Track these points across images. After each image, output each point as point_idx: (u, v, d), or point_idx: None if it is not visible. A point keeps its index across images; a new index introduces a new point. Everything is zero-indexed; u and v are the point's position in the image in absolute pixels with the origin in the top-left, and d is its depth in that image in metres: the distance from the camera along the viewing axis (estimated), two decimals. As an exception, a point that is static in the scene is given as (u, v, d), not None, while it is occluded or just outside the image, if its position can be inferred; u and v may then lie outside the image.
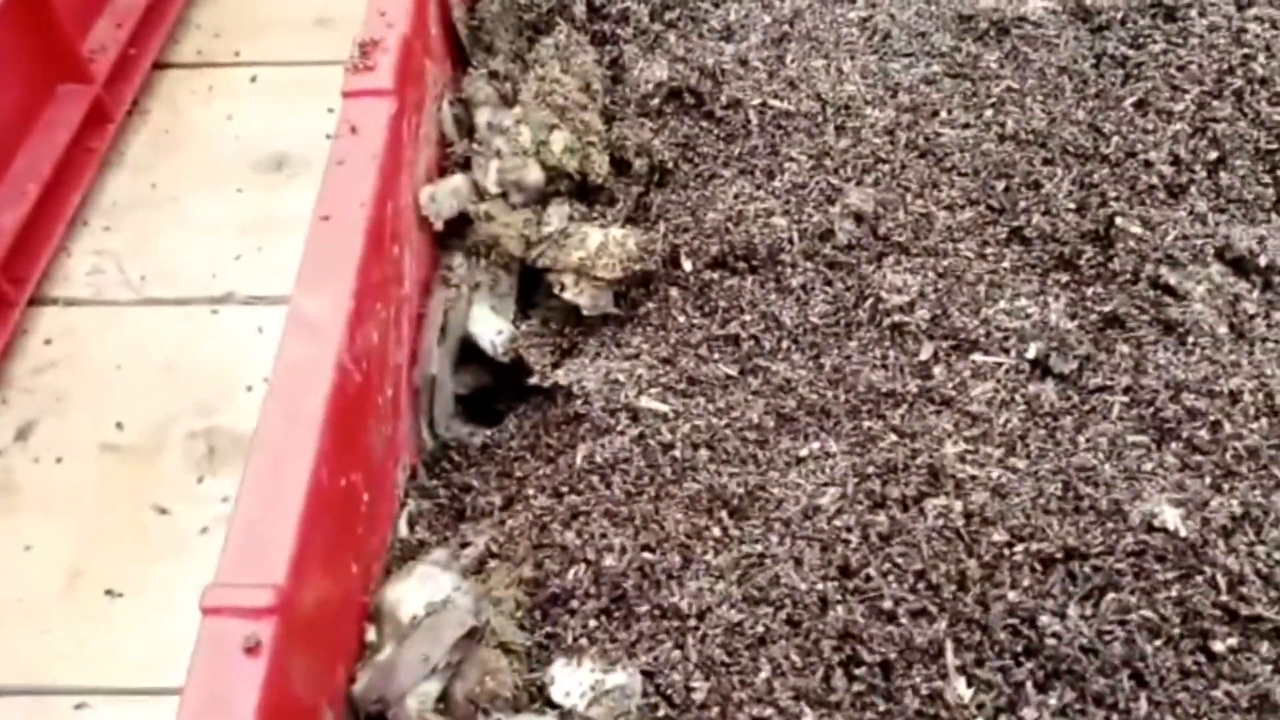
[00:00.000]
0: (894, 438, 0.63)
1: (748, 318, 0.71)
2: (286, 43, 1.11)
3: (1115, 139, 0.74)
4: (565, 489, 0.64)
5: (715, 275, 0.73)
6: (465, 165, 0.77)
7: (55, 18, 0.94)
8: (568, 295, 0.72)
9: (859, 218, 0.72)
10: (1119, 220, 0.70)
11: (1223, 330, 0.65)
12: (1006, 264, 0.71)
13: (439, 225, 0.72)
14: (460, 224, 0.75)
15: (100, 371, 0.86)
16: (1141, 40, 0.79)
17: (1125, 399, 0.63)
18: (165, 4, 1.11)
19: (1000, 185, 0.74)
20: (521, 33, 0.85)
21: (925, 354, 0.67)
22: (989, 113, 0.78)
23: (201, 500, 0.84)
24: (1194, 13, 0.80)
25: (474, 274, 0.73)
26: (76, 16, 0.99)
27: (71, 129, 0.95)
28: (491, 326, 0.73)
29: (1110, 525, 0.57)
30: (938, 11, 0.86)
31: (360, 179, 0.61)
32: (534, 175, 0.75)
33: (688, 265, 0.74)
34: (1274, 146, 0.73)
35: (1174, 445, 0.61)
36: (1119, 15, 0.80)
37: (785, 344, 0.69)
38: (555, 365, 0.71)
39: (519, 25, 0.85)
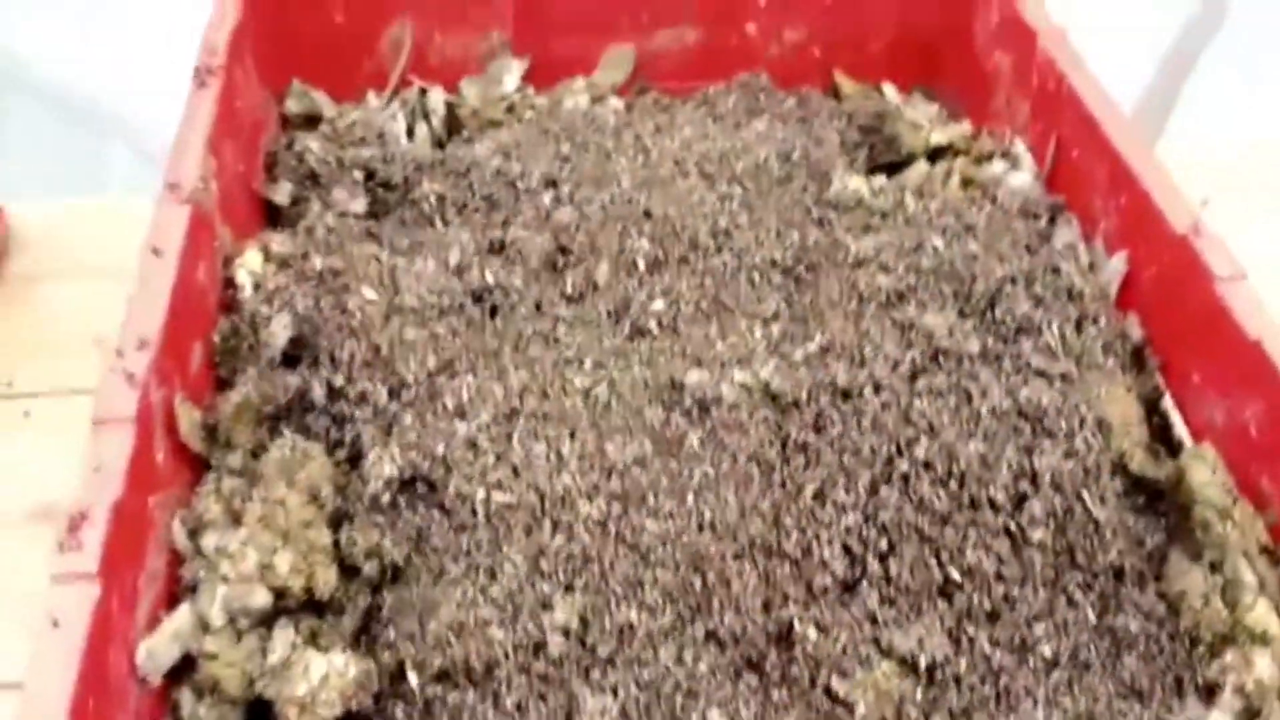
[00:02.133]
0: None
1: (467, 738, 0.75)
2: (60, 369, 1.11)
3: (795, 534, 0.82)
4: None
5: (439, 690, 0.77)
6: (191, 592, 0.79)
7: None
8: (292, 727, 0.75)
9: (566, 631, 0.78)
10: (796, 625, 0.78)
11: (883, 745, 0.73)
12: (703, 667, 0.77)
13: (157, 680, 0.74)
14: (190, 661, 0.77)
15: None
16: (821, 423, 0.88)
17: (796, 826, 0.70)
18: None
19: (697, 582, 0.81)
20: (258, 425, 0.89)
21: (624, 780, 0.72)
22: (690, 499, 0.85)
23: None
24: (869, 390, 0.89)
25: (201, 712, 0.75)
26: None
27: None
28: (220, 761, 0.75)
29: None
30: (652, 376, 0.94)
31: (55, 687, 0.63)
32: (260, 599, 0.78)
33: (414, 679, 0.78)
34: (935, 533, 0.83)
35: None
36: (803, 396, 0.89)
37: (501, 767, 0.74)
38: (280, 805, 0.73)
39: (255, 419, 0.89)
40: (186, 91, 1.07)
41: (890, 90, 1.41)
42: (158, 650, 0.75)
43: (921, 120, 1.33)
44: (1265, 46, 1.92)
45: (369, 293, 0.98)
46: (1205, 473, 0.89)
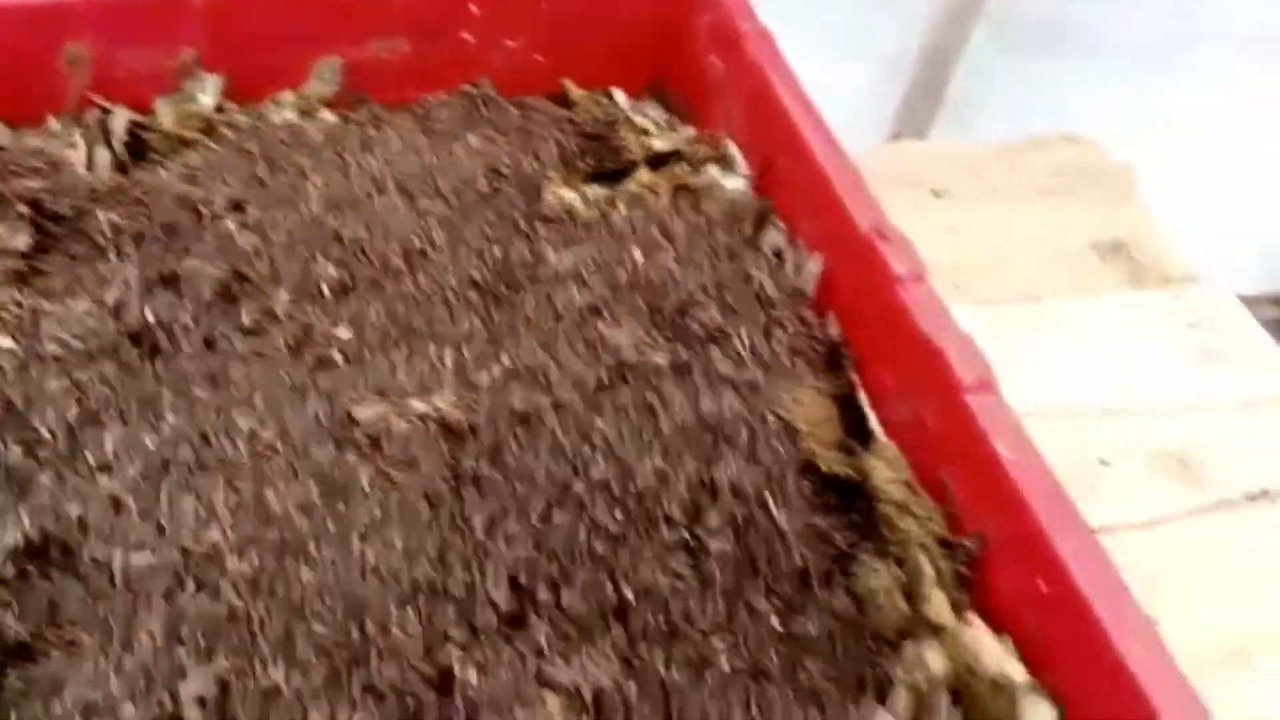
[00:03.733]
0: None
1: (89, 833, 0.68)
2: None
3: (459, 571, 0.78)
4: None
5: (61, 782, 0.70)
6: None
7: None
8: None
9: (203, 701, 0.72)
10: (455, 668, 0.74)
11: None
12: (358, 725, 0.73)
13: None
14: None
15: None
16: (496, 453, 0.84)
17: None
18: None
19: (355, 633, 0.76)
20: None
21: None
22: (356, 545, 0.80)
23: None
24: (548, 413, 0.86)
25: None
26: None
27: None
28: None
29: None
30: (329, 413, 0.88)
31: None
32: None
33: (31, 773, 0.70)
34: (606, 553, 0.80)
35: None
36: (480, 424, 0.85)
37: None
38: None
39: None
40: None
41: (620, 96, 1.39)
42: None
43: (649, 126, 1.32)
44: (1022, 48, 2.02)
45: (4, 341, 0.89)
46: (885, 470, 0.90)
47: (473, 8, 1.30)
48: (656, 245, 1.05)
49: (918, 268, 0.97)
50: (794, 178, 1.13)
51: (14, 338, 0.89)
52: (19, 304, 0.92)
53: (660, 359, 0.92)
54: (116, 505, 0.81)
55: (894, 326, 0.95)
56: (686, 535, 0.82)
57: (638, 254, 1.03)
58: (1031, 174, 1.59)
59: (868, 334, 1.00)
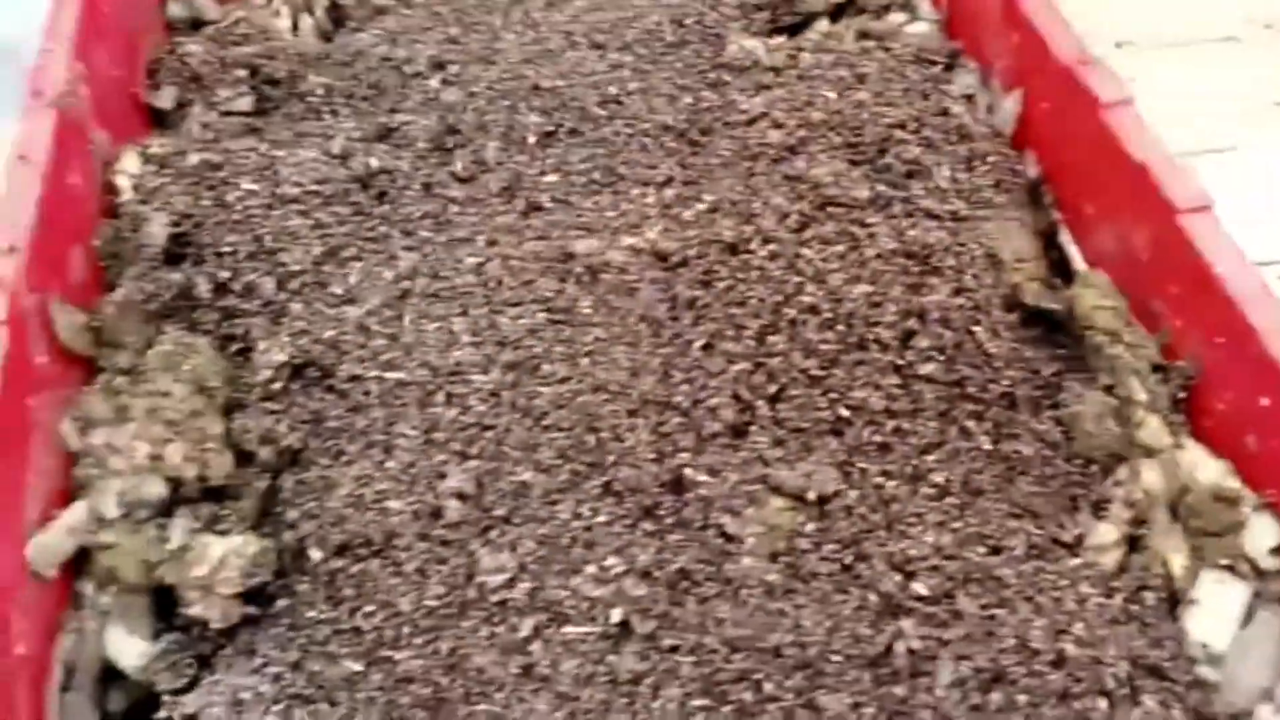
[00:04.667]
0: (495, 729, 0.70)
1: (370, 607, 0.76)
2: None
3: (684, 386, 0.83)
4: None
5: (341, 563, 0.78)
6: (82, 488, 0.79)
7: None
8: (196, 611, 0.76)
9: (462, 496, 0.78)
10: (687, 471, 0.79)
11: (774, 578, 0.74)
12: (600, 519, 0.78)
13: (50, 573, 0.74)
14: (83, 554, 0.77)
15: None
16: (709, 279, 0.88)
17: (691, 659, 0.71)
18: None
19: (591, 440, 0.81)
20: (146, 323, 0.88)
21: (525, 630, 0.74)
22: (584, 363, 0.85)
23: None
24: (756, 243, 0.89)
25: (103, 600, 0.76)
26: None
27: None
28: (130, 648, 0.76)
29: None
30: (544, 250, 0.93)
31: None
32: (155, 490, 0.78)
33: (316, 555, 0.79)
34: (822, 373, 0.83)
35: (727, 710, 0.69)
36: (691, 254, 0.89)
37: (406, 630, 0.75)
38: (189, 686, 0.74)
39: (141, 317, 0.88)
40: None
41: (792, -51, 1.37)
42: (49, 544, 0.75)
43: (822, -21, 1.30)
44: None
45: (249, 185, 0.96)
46: (1095, 298, 0.90)
47: None
48: (848, 85, 1.05)
49: (1125, 92, 0.94)
50: (986, 18, 1.11)
51: (256, 182, 0.96)
52: (257, 152, 0.99)
53: (861, 192, 0.94)
54: (364, 330, 0.88)
55: (1101, 154, 0.94)
56: (897, 358, 0.85)
57: (830, 94, 1.04)
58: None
59: (1071, 167, 0.99)
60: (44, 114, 0.92)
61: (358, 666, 0.74)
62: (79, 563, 0.77)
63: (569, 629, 0.73)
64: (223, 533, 0.78)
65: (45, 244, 0.85)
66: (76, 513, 0.77)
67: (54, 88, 0.93)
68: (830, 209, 0.92)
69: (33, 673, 0.72)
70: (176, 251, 0.92)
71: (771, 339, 0.84)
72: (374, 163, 1.00)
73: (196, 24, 1.25)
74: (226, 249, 0.91)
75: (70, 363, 0.85)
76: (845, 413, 0.82)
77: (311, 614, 0.76)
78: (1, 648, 0.69)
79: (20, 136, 0.90)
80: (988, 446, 0.84)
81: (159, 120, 1.13)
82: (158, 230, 0.91)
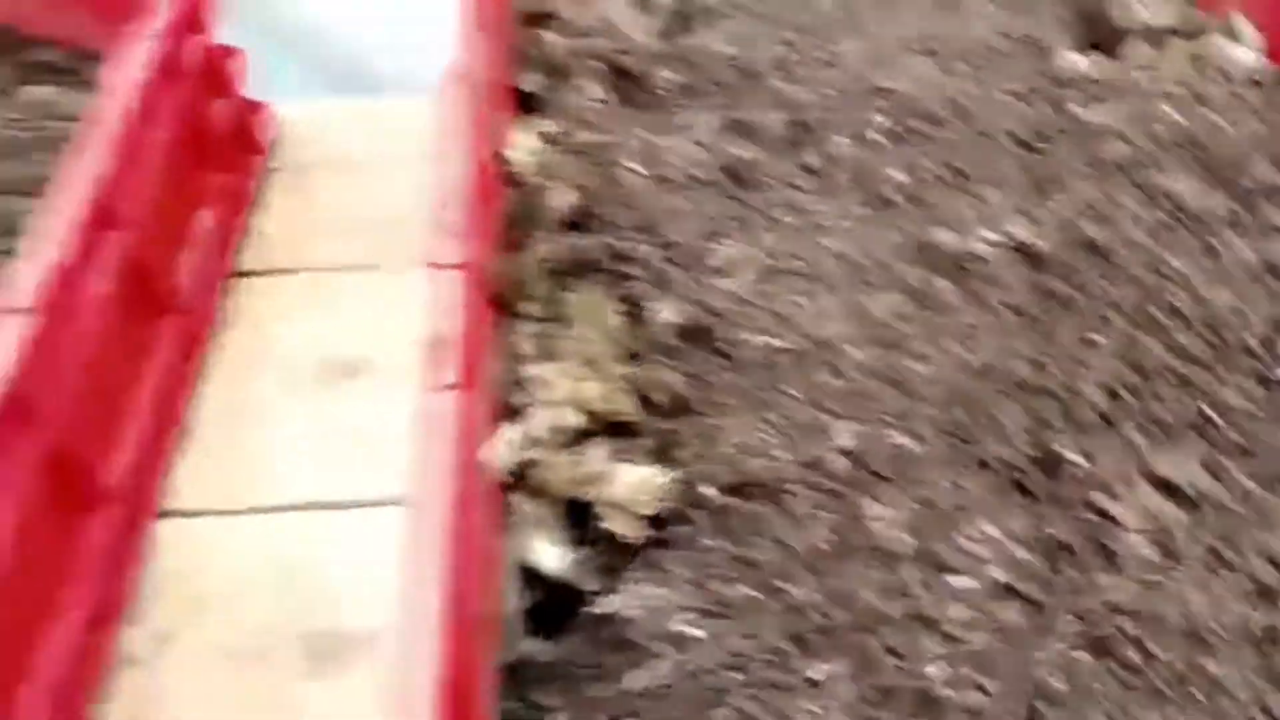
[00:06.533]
0: (888, 659, 0.77)
1: (764, 542, 0.85)
2: (335, 247, 1.24)
3: (1056, 373, 0.89)
4: (623, 713, 0.78)
5: (733, 501, 0.87)
6: (514, 413, 0.91)
7: (148, 269, 1.09)
8: (611, 526, 0.86)
9: (846, 452, 0.87)
10: (1063, 452, 0.85)
11: (1153, 555, 0.80)
12: (973, 488, 0.85)
13: (501, 475, 0.86)
14: (516, 470, 0.89)
15: (215, 579, 1.00)
16: (1074, 276, 0.94)
17: (1072, 618, 0.78)
18: (232, 224, 1.25)
19: (963, 416, 0.88)
20: (552, 279, 1.00)
21: (911, 577, 0.81)
22: (952, 345, 0.92)
23: (312, 699, 0.96)
24: (1118, 245, 0.95)
25: (531, 510, 0.88)
26: (162, 257, 1.13)
27: (169, 355, 1.09)
28: (550, 555, 0.87)
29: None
30: (902, 241, 1.01)
31: (442, 452, 0.76)
32: (573, 420, 0.90)
33: (709, 492, 0.88)
34: (1187, 371, 0.88)
35: (1113, 664, 0.75)
36: (1054, 251, 0.95)
37: (796, 567, 0.84)
38: (604, 590, 0.85)
39: (549, 274, 1.00)
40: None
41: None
42: (501, 452, 0.87)
43: (1134, 3, 1.34)
44: None
45: (634, 165, 1.07)
46: None
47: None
48: (1189, 105, 1.09)
49: None
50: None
51: (639, 162, 1.07)
52: (638, 137, 1.10)
53: (1217, 208, 0.98)
54: (740, 301, 0.97)
55: None
56: (1260, 365, 0.89)
57: (1173, 111, 1.08)
58: None
59: None
60: (464, 93, 1.05)
61: (754, 593, 0.83)
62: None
63: (953, 579, 0.81)
64: (630, 464, 0.89)
65: (472, 205, 0.97)
66: (513, 432, 0.89)
67: (472, 71, 1.07)
68: (1187, 220, 0.97)
69: (491, 561, 0.83)
70: (574, 220, 1.04)
71: (1138, 335, 0.90)
72: (736, 152, 1.09)
73: (541, 16, 1.39)
74: (619, 222, 1.02)
75: (493, 306, 0.97)
76: (1210, 412, 0.87)
77: (708, 543, 0.86)
78: (468, 536, 0.81)
79: (445, 113, 1.03)
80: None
81: (525, 102, 1.26)
82: (560, 202, 1.03)
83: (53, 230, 0.95)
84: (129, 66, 1.12)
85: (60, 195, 0.98)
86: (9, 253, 1.02)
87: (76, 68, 1.31)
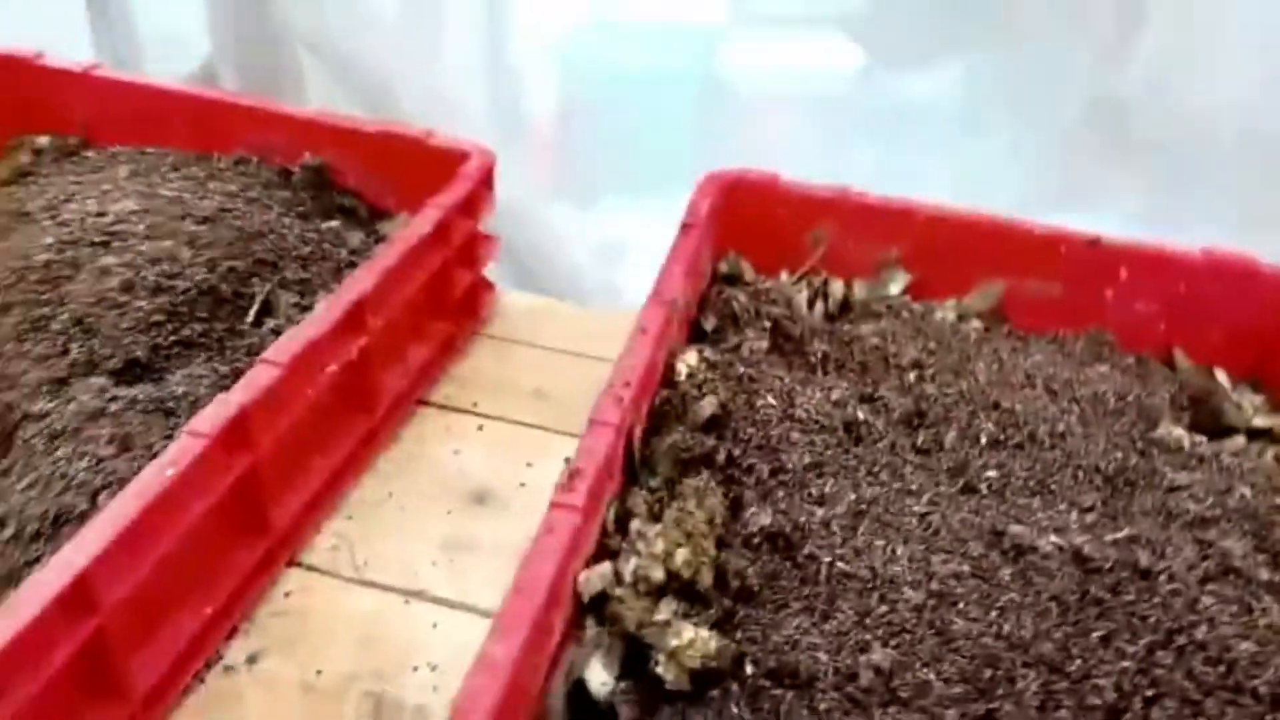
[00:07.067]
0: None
1: (785, 724, 0.97)
2: (509, 404, 1.50)
3: (1078, 661, 1.00)
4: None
5: (768, 683, 1.01)
6: (613, 555, 1.09)
7: (370, 369, 1.37)
8: (659, 670, 1.01)
9: (878, 670, 1.00)
10: (1065, 724, 0.95)
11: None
12: (979, 734, 0.96)
13: (585, 599, 1.03)
14: (598, 600, 1.06)
15: (316, 627, 1.19)
16: (1119, 589, 1.06)
17: None
18: (434, 362, 1.54)
19: (987, 673, 1.00)
20: (676, 464, 1.20)
21: (904, 789, 0.92)
22: (994, 615, 1.05)
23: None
24: (1163, 577, 1.07)
25: (597, 637, 1.03)
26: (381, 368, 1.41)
27: (352, 447, 1.34)
28: (601, 676, 1.02)
29: None
30: (978, 521, 1.16)
31: (548, 564, 0.94)
32: (658, 575, 1.07)
33: (749, 669, 1.02)
34: (1198, 698, 0.98)
35: None
36: (1107, 566, 1.08)
37: (807, 751, 0.95)
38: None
39: (675, 459, 1.20)
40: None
41: (1222, 375, 1.59)
42: (590, 580, 1.04)
43: (1246, 405, 1.50)
44: None
45: (771, 400, 1.29)
46: None
47: (1122, 272, 1.60)
48: (1263, 488, 1.22)
49: None
50: None
51: (777, 400, 1.29)
52: (781, 380, 1.32)
53: (1262, 573, 1.09)
54: (826, 528, 1.14)
55: None
56: (1266, 711, 0.97)
57: (1246, 490, 1.22)
58: None
59: None
60: (660, 308, 1.31)
61: (764, 768, 0.95)
62: (588, 606, 1.06)
63: (939, 802, 0.90)
64: (693, 624, 1.04)
65: (637, 388, 1.21)
66: (605, 568, 1.07)
67: (671, 294, 1.33)
68: (1233, 576, 1.09)
69: (553, 659, 0.99)
70: (709, 425, 1.25)
71: (1160, 654, 1.01)
72: (859, 415, 1.30)
73: (733, 279, 1.67)
74: (745, 437, 1.22)
75: (620, 472, 1.18)
76: (1209, 734, 0.96)
77: (735, 711, 0.99)
78: (549, 629, 0.97)
79: (643, 317, 1.29)
80: (1338, 829, 0.93)
81: (698, 336, 1.52)
82: (705, 408, 1.25)
83: (318, 313, 1.25)
84: (415, 227, 1.46)
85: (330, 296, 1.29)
86: (278, 332, 1.32)
87: (373, 221, 1.68)
